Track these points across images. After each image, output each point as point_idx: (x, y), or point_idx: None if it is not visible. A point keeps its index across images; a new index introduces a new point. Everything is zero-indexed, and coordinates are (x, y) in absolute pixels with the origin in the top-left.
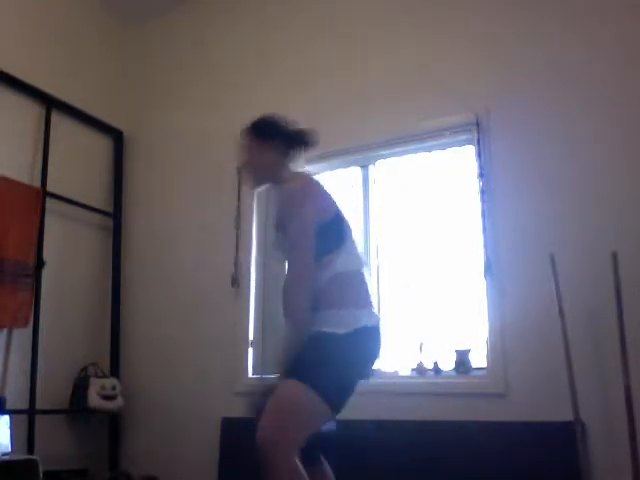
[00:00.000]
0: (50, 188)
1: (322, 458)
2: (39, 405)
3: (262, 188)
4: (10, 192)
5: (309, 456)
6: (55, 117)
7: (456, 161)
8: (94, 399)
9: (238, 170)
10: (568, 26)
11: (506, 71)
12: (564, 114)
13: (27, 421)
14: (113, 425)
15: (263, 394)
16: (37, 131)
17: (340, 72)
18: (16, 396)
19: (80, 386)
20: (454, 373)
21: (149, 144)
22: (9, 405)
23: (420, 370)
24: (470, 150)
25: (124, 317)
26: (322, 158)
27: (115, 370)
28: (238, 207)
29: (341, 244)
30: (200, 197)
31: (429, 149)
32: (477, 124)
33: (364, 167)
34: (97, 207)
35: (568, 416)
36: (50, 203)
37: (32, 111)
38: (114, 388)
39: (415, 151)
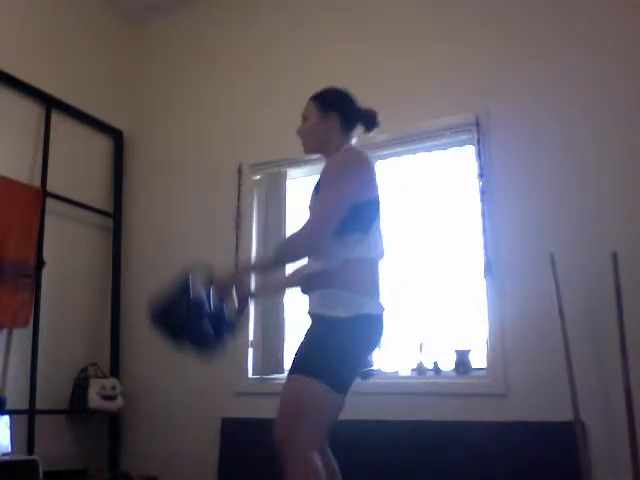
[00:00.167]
0: (50, 188)
1: (329, 452)
2: (39, 405)
3: (315, 156)
4: (10, 192)
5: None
6: (55, 117)
7: (456, 161)
8: (94, 399)
9: (238, 170)
10: (568, 27)
11: (506, 71)
12: (564, 114)
13: (27, 421)
14: (113, 425)
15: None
16: (37, 131)
17: (340, 72)
18: (16, 396)
19: (80, 386)
20: (454, 373)
21: (149, 144)
22: (9, 405)
23: (420, 370)
24: (470, 150)
25: (124, 317)
26: (322, 158)
27: (115, 370)
28: (238, 207)
29: (369, 229)
30: (200, 197)
31: (429, 149)
32: (477, 124)
33: None
34: (97, 207)
35: (568, 416)
36: (50, 203)
37: (32, 111)
38: (114, 388)
39: (415, 151)
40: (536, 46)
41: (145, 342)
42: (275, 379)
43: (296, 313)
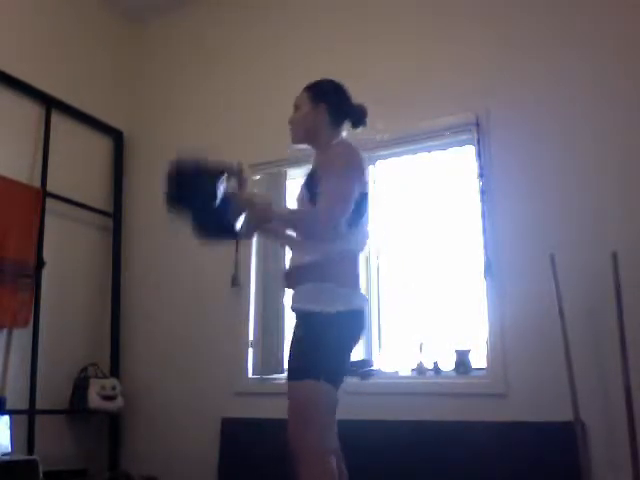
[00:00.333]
0: (50, 188)
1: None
2: (39, 405)
3: (301, 147)
4: (10, 192)
5: None
6: (55, 117)
7: (456, 161)
8: (94, 399)
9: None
10: (568, 27)
11: (506, 71)
12: (564, 114)
13: (27, 421)
14: (113, 425)
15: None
16: (37, 131)
17: (340, 72)
18: (16, 396)
19: (80, 386)
20: (454, 373)
21: (149, 144)
22: (9, 405)
23: (420, 370)
24: (470, 150)
25: (124, 317)
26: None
27: (115, 370)
28: None
29: (357, 223)
30: None
31: (429, 149)
32: (477, 124)
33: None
34: (97, 207)
35: (568, 416)
36: (50, 203)
37: (32, 111)
38: (114, 388)
39: (415, 151)
40: (536, 46)
41: (145, 342)
42: (275, 379)
43: None
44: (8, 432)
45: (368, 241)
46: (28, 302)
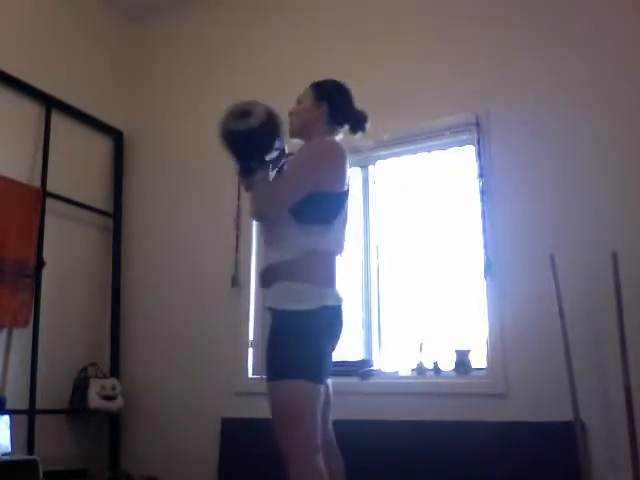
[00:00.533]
0: (50, 188)
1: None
2: (39, 405)
3: (295, 141)
4: (10, 192)
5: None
6: (55, 117)
7: (456, 161)
8: (94, 399)
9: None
10: (568, 27)
11: (506, 71)
12: (564, 114)
13: (27, 421)
14: (113, 425)
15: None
16: (37, 131)
17: (340, 72)
18: (16, 396)
19: (80, 386)
20: (454, 373)
21: (149, 144)
22: (9, 405)
23: (420, 370)
24: (470, 150)
25: (124, 317)
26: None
27: (115, 370)
28: (238, 207)
29: (332, 221)
30: (200, 197)
31: (429, 149)
32: (477, 124)
33: (364, 167)
34: (97, 207)
35: (568, 416)
36: (50, 203)
37: (32, 111)
38: (114, 388)
39: (415, 151)
40: (536, 46)
41: (145, 342)
42: None
43: None
44: (8, 432)
45: (345, 243)
46: (28, 302)
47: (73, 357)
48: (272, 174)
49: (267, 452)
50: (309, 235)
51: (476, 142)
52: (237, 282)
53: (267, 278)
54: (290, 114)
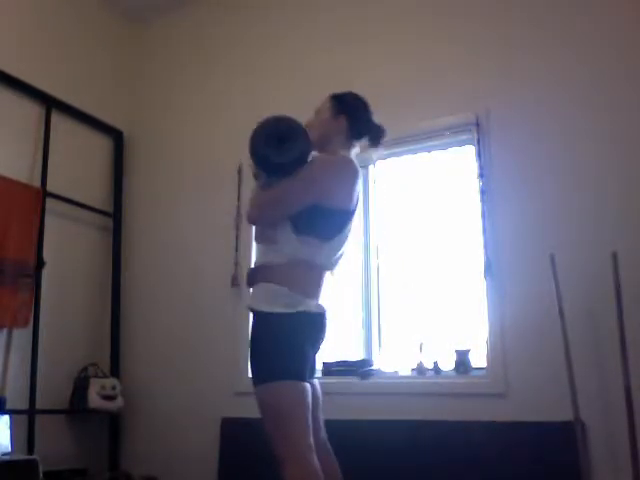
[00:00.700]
0: (50, 188)
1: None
2: (39, 405)
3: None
4: (10, 192)
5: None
6: (55, 117)
7: (456, 161)
8: (94, 399)
9: (238, 170)
10: (568, 27)
11: (506, 71)
12: (564, 114)
13: (27, 421)
14: (113, 425)
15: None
16: (37, 131)
17: (340, 72)
18: (16, 396)
19: (80, 386)
20: (454, 373)
21: (149, 144)
22: (9, 405)
23: (420, 370)
24: (470, 150)
25: (124, 317)
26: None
27: (115, 370)
28: (238, 207)
29: (330, 239)
30: (200, 197)
31: (429, 149)
32: (477, 124)
33: (364, 167)
34: (97, 207)
35: (568, 416)
36: (50, 203)
37: (32, 111)
38: (114, 388)
39: (415, 151)
40: (536, 46)
41: (145, 342)
42: None
43: None
44: (8, 432)
45: (341, 261)
46: (28, 302)
47: (73, 357)
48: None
49: (267, 452)
50: (303, 245)
51: (476, 142)
52: (237, 282)
53: (252, 277)
54: (307, 125)
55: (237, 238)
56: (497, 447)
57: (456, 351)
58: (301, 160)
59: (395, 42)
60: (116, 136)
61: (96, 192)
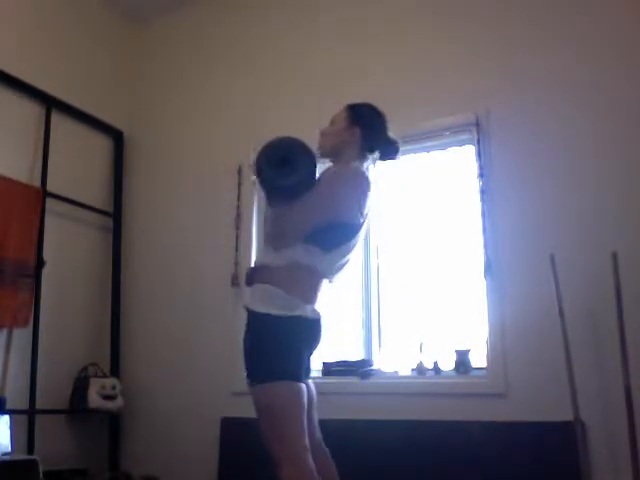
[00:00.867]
0: (50, 188)
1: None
2: (39, 405)
3: (324, 160)
4: (10, 192)
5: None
6: (55, 117)
7: (456, 161)
8: (94, 399)
9: (238, 170)
10: (568, 27)
11: (506, 71)
12: (564, 114)
13: (27, 421)
14: (113, 425)
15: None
16: (37, 131)
17: (340, 72)
18: (16, 396)
19: (80, 386)
20: (454, 373)
21: (149, 144)
22: (9, 405)
23: (420, 370)
24: (470, 150)
25: (124, 317)
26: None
27: (115, 370)
28: (238, 207)
29: (332, 250)
30: (200, 197)
31: (429, 149)
32: (477, 124)
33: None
34: (97, 207)
35: (568, 416)
36: (50, 203)
37: (32, 111)
38: (114, 388)
39: (415, 151)
40: (536, 46)
41: (145, 342)
42: None
43: None
44: (8, 432)
45: (344, 269)
46: (28, 302)
47: (73, 357)
48: None
49: (267, 452)
50: (307, 253)
51: (476, 142)
52: (237, 282)
53: (250, 277)
54: (321, 132)
55: (237, 238)
56: (497, 447)
57: (456, 351)
58: (306, 182)
59: (395, 42)
60: (116, 136)
61: (96, 192)
